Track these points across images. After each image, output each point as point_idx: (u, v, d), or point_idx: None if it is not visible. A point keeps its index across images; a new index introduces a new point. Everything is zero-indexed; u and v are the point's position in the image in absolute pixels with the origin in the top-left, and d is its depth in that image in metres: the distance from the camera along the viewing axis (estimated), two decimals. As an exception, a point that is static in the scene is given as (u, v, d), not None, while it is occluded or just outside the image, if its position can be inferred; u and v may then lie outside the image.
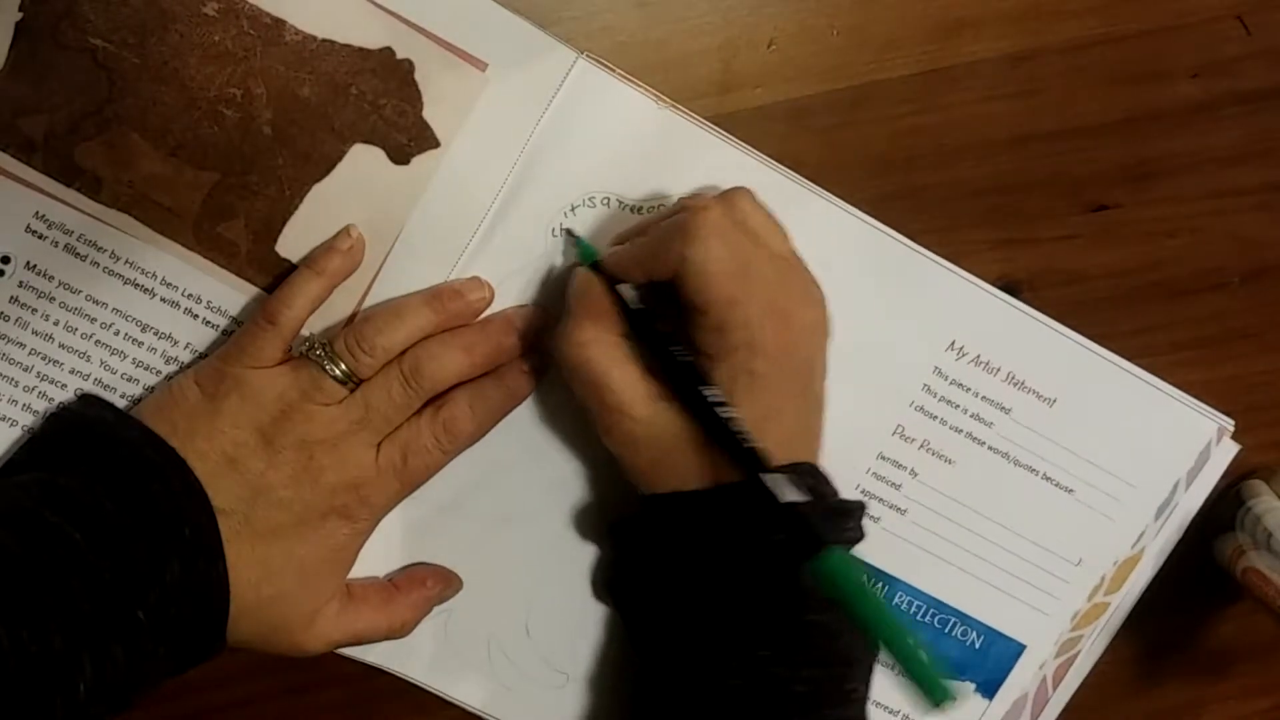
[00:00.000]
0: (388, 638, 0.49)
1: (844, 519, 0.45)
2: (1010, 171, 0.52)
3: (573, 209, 0.49)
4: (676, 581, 0.45)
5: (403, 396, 0.46)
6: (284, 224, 0.48)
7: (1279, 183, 0.54)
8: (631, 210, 0.49)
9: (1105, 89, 0.52)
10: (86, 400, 0.48)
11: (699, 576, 0.45)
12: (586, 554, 0.51)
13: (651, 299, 0.45)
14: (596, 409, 0.45)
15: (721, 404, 0.43)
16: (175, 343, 0.48)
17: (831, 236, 0.49)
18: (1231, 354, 0.55)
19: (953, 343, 0.51)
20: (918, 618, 0.52)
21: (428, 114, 0.47)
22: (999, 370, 0.51)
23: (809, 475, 0.44)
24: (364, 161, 0.47)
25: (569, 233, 0.49)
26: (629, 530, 0.48)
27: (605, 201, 0.49)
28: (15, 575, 0.40)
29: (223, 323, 0.48)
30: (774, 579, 0.43)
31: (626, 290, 0.45)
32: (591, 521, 0.51)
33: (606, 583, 0.51)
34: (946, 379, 0.51)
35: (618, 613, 0.51)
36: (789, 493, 0.41)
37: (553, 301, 0.49)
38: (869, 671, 0.45)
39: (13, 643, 0.39)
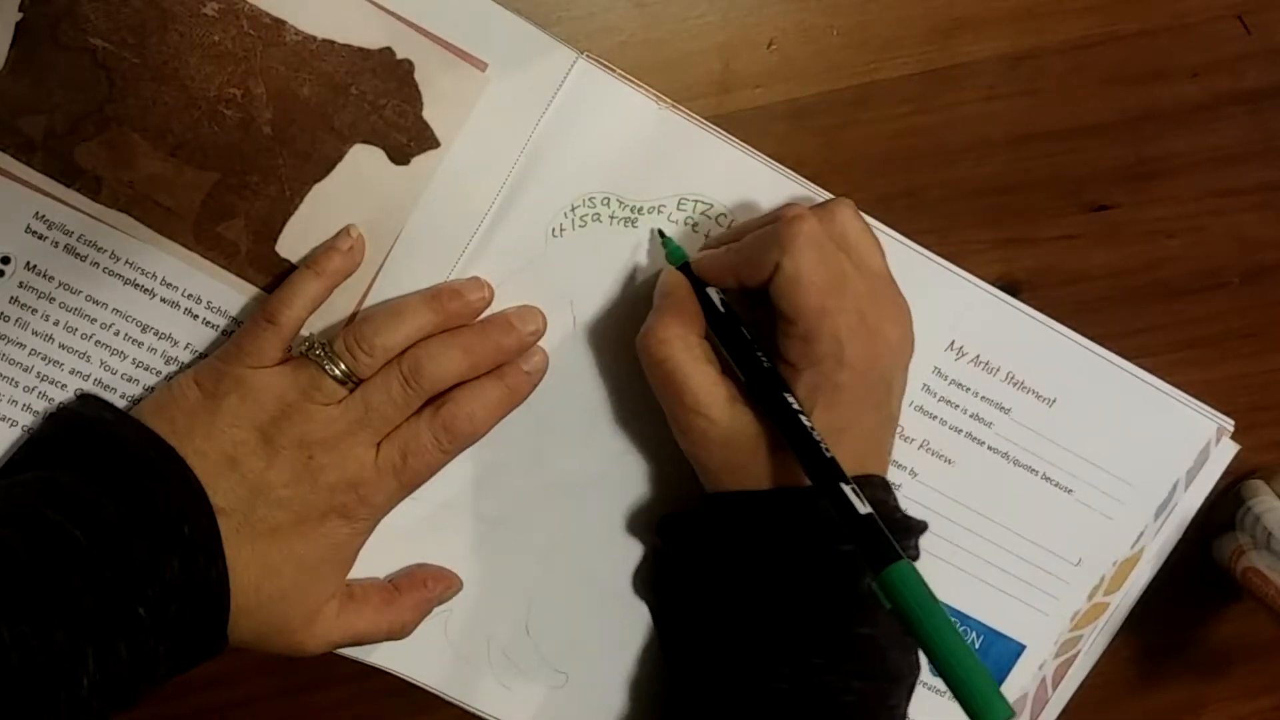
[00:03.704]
0: (388, 639, 0.49)
1: (907, 535, 0.45)
2: (1010, 171, 0.52)
3: (573, 209, 0.49)
4: (729, 581, 0.46)
5: (402, 396, 0.46)
6: (284, 224, 0.48)
7: (1279, 183, 0.54)
8: (632, 210, 0.49)
9: (1105, 89, 0.52)
10: (86, 400, 0.48)
11: (754, 578, 0.45)
12: (586, 554, 0.51)
13: (736, 305, 0.46)
14: (673, 406, 0.46)
15: (803, 413, 0.43)
16: (175, 343, 0.48)
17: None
18: (1231, 354, 0.55)
19: (952, 343, 0.51)
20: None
21: (428, 114, 0.47)
22: (998, 370, 0.51)
23: (879, 488, 0.45)
24: (364, 161, 0.47)
25: (659, 233, 0.49)
26: (682, 526, 0.48)
27: (605, 201, 0.49)
28: (17, 572, 0.40)
29: (223, 323, 0.48)
30: (833, 588, 0.43)
31: (714, 294, 0.46)
32: (592, 521, 0.51)
33: (651, 578, 0.51)
34: (946, 379, 0.51)
35: (655, 610, 0.51)
36: (864, 504, 0.41)
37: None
38: (910, 691, 0.46)
39: (15, 638, 0.39)
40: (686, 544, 0.48)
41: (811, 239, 0.43)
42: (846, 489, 0.42)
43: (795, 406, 0.43)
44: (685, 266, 0.47)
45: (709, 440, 0.45)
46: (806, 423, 0.43)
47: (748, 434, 0.44)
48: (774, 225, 0.44)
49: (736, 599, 0.45)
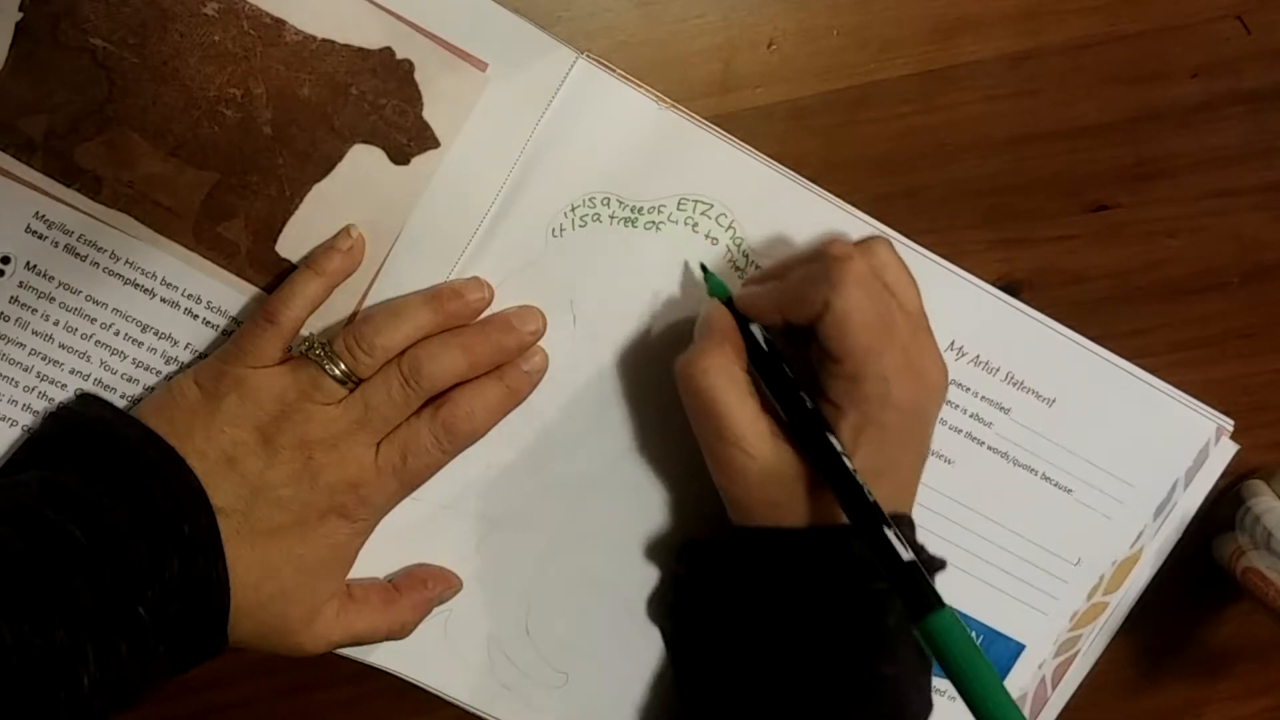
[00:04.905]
0: (388, 639, 0.49)
1: (933, 574, 0.45)
2: (1010, 171, 0.52)
3: (573, 209, 0.49)
4: (754, 615, 0.45)
5: (402, 396, 0.46)
6: (284, 224, 0.48)
7: (1279, 183, 0.54)
8: (633, 210, 0.49)
9: (1105, 89, 0.52)
10: (86, 400, 0.48)
11: (783, 614, 0.44)
12: (586, 554, 0.51)
13: (776, 341, 0.46)
14: (711, 439, 0.45)
15: (845, 454, 0.43)
16: (175, 343, 0.48)
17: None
18: (1231, 354, 0.55)
19: (952, 343, 0.51)
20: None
21: (428, 114, 0.47)
22: (998, 370, 0.51)
23: (907, 527, 0.45)
24: (364, 161, 0.47)
25: (702, 267, 0.49)
26: (707, 554, 0.48)
27: (605, 201, 0.49)
28: (17, 571, 0.41)
29: (223, 323, 0.48)
30: (861, 626, 0.43)
31: (757, 331, 0.46)
32: (592, 521, 0.51)
33: (668, 604, 0.51)
34: (946, 379, 0.51)
35: (670, 637, 0.51)
36: (907, 550, 0.41)
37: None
38: None
39: (15, 637, 0.39)
40: (712, 574, 0.47)
41: (860, 278, 0.43)
42: (890, 534, 0.41)
43: (839, 448, 0.43)
44: (729, 302, 0.47)
45: (747, 475, 0.44)
46: (850, 465, 0.42)
47: (787, 471, 0.44)
48: (822, 263, 0.44)
49: (760, 633, 0.45)
